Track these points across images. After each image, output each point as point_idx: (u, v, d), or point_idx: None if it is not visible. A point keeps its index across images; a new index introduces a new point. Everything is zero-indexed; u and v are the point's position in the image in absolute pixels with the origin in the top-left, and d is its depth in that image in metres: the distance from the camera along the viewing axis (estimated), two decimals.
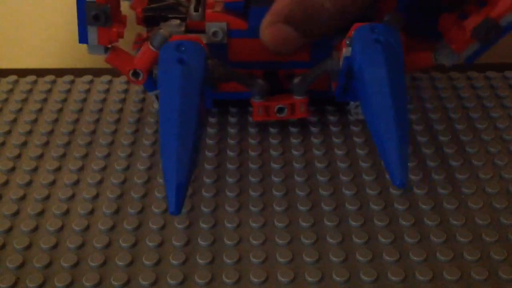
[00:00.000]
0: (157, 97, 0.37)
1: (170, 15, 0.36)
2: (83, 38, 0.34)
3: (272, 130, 0.38)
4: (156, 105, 0.37)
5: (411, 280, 0.28)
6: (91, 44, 0.34)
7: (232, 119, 0.39)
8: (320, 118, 0.39)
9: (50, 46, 0.37)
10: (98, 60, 0.36)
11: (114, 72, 0.43)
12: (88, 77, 0.43)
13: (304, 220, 0.31)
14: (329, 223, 0.31)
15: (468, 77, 0.43)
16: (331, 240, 0.30)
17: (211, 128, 0.38)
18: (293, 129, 0.38)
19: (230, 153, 0.36)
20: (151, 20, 0.36)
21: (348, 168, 0.35)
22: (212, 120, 0.39)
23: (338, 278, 0.28)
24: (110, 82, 0.43)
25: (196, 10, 0.36)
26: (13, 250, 0.29)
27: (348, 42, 0.31)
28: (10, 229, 0.31)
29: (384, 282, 0.28)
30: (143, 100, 0.41)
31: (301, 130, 0.38)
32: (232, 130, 0.38)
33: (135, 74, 0.35)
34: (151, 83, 0.36)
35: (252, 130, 0.38)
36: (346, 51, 0.32)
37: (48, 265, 0.29)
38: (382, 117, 0.28)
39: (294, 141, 0.37)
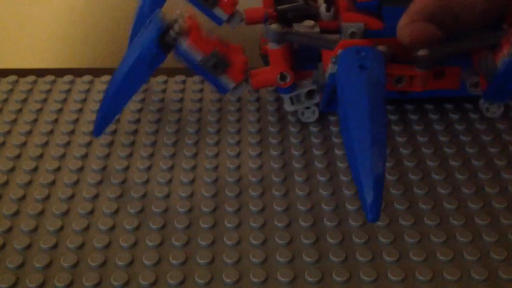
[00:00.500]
0: (291, 99, 0.37)
1: (302, 16, 0.36)
2: (222, 89, 0.35)
3: (272, 130, 0.38)
4: (288, 107, 0.37)
5: (411, 280, 0.28)
6: (233, 88, 0.35)
7: (233, 119, 0.39)
8: (320, 118, 0.39)
9: (50, 46, 0.37)
10: (98, 60, 0.36)
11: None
12: (88, 77, 0.43)
13: (304, 220, 0.31)
14: (329, 223, 0.31)
15: None
16: (331, 240, 0.30)
17: (210, 127, 0.38)
18: (293, 129, 0.38)
19: (230, 153, 0.36)
20: (284, 21, 0.36)
21: (348, 168, 0.35)
22: (211, 119, 0.39)
23: (338, 278, 0.28)
24: None
25: (328, 10, 0.36)
26: (13, 250, 0.29)
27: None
28: (10, 229, 0.31)
29: (384, 282, 0.28)
30: (143, 100, 0.41)
31: (301, 130, 0.38)
32: (232, 130, 0.38)
33: (283, 77, 0.36)
34: (289, 86, 0.36)
35: (252, 130, 0.38)
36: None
37: (48, 265, 0.29)
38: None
39: (294, 141, 0.37)
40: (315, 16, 0.37)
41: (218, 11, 0.36)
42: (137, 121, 0.39)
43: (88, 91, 0.42)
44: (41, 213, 0.32)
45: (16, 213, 0.32)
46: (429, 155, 0.36)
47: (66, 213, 0.32)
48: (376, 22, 0.35)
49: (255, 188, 0.33)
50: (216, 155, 0.36)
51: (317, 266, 0.29)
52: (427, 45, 0.33)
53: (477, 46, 0.34)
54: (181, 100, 0.41)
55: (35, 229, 0.31)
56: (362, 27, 0.35)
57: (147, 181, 0.34)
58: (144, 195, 0.33)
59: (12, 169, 0.35)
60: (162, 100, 0.41)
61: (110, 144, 0.37)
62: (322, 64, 0.34)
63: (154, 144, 0.37)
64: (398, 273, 0.28)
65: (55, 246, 0.30)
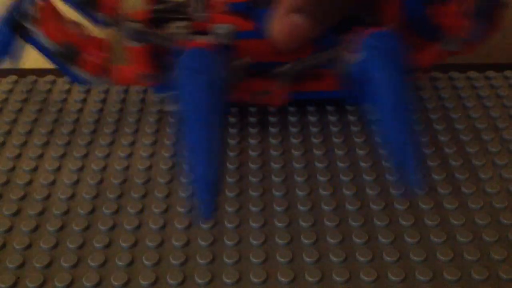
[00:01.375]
0: (165, 99, 0.37)
1: (176, 17, 0.36)
2: (76, 79, 0.35)
3: (272, 130, 0.38)
4: (165, 107, 0.37)
5: (411, 280, 0.28)
6: (90, 80, 0.35)
7: (232, 119, 0.39)
8: (320, 118, 0.39)
9: None
10: None
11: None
12: None
13: (304, 220, 0.31)
14: (329, 223, 0.31)
15: (468, 77, 0.43)
16: (331, 240, 0.30)
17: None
18: (293, 129, 0.38)
19: (230, 153, 0.36)
20: (157, 21, 0.36)
21: (348, 168, 0.35)
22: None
23: (338, 278, 0.28)
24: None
25: (199, 11, 0.36)
26: (13, 250, 0.29)
27: (354, 48, 0.31)
28: (10, 229, 0.31)
29: (384, 282, 0.28)
30: (143, 100, 0.41)
31: (301, 130, 0.38)
32: (232, 130, 0.38)
33: (144, 77, 0.35)
34: (162, 85, 0.36)
35: (252, 130, 0.38)
36: (352, 56, 0.31)
37: (48, 265, 0.29)
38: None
39: (294, 141, 0.37)
40: (189, 17, 0.36)
41: (100, 15, 0.36)
42: (137, 121, 0.39)
43: (88, 91, 0.42)
44: (41, 213, 0.32)
45: (16, 213, 0.32)
46: (429, 155, 0.36)
47: (66, 213, 0.32)
48: (246, 24, 0.35)
49: (255, 188, 0.33)
50: None
51: (317, 266, 0.29)
52: (300, 40, 0.33)
53: (337, 56, 0.34)
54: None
55: (35, 229, 0.31)
56: (230, 28, 0.35)
57: (147, 181, 0.34)
58: (144, 195, 0.33)
59: (12, 169, 0.35)
60: (162, 100, 0.41)
61: (110, 144, 0.37)
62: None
63: (154, 144, 0.37)
64: (398, 273, 0.28)
65: (55, 246, 0.30)
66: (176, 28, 0.35)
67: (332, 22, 0.34)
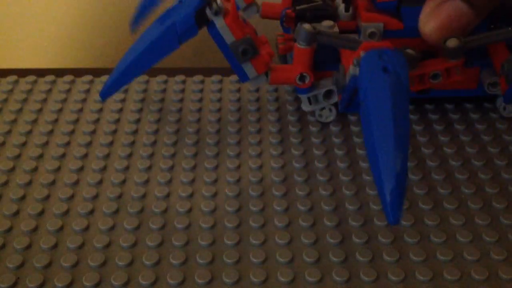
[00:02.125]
0: (309, 99, 0.37)
1: (320, 15, 0.36)
2: (243, 77, 0.35)
3: (272, 129, 0.38)
4: (305, 107, 0.37)
5: (411, 280, 0.28)
6: (253, 78, 0.35)
7: (232, 119, 0.39)
8: None
9: (50, 46, 0.37)
10: (98, 60, 0.36)
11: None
12: (88, 77, 0.43)
13: (304, 220, 0.31)
14: (329, 223, 0.31)
15: None
16: (331, 240, 0.30)
17: (210, 127, 0.38)
18: (293, 129, 0.38)
19: (230, 153, 0.36)
20: (303, 20, 0.36)
21: (348, 168, 0.35)
22: (211, 119, 0.39)
23: (338, 278, 0.28)
24: None
25: (346, 10, 0.36)
26: (13, 250, 0.29)
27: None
28: (10, 229, 0.31)
29: (384, 282, 0.28)
30: (143, 100, 0.41)
31: (301, 130, 0.38)
32: (232, 130, 0.38)
33: (302, 78, 0.35)
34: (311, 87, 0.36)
35: (252, 129, 0.38)
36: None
37: (48, 265, 0.29)
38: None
39: (294, 141, 0.37)
40: (333, 16, 0.37)
41: None
42: (137, 121, 0.39)
43: (88, 91, 0.42)
44: (41, 213, 0.32)
45: (16, 213, 0.32)
46: (429, 155, 0.36)
47: (66, 213, 0.32)
48: (395, 22, 0.35)
49: (255, 188, 0.33)
50: (216, 155, 0.36)
51: (317, 266, 0.29)
52: (459, 33, 0.32)
53: (505, 38, 0.33)
54: (181, 100, 0.41)
55: (35, 229, 0.31)
56: (381, 27, 0.35)
57: (147, 181, 0.34)
58: (144, 195, 0.33)
59: (12, 169, 0.35)
60: (162, 100, 0.41)
61: (110, 144, 0.37)
62: (343, 65, 0.34)
63: (154, 144, 0.37)
64: (398, 273, 0.28)
65: (55, 246, 0.30)
66: (323, 27, 0.35)
67: (490, 9, 0.32)
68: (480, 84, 0.37)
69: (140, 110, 0.40)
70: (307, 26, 0.34)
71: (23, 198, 0.33)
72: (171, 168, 0.35)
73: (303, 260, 0.29)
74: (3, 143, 0.37)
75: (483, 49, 0.35)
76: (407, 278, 0.28)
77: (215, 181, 0.34)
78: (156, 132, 0.38)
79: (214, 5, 0.33)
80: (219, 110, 0.40)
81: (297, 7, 0.37)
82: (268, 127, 0.38)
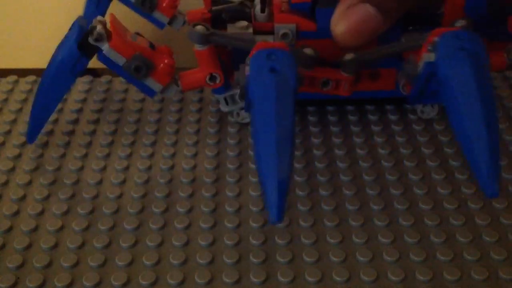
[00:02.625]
0: (225, 99, 0.37)
1: (236, 17, 0.36)
2: (150, 92, 0.35)
3: None
4: (223, 107, 0.37)
5: (411, 280, 0.28)
6: (162, 90, 0.35)
7: (232, 119, 0.39)
8: (320, 118, 0.39)
9: (50, 46, 0.36)
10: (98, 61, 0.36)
11: (114, 72, 0.43)
12: (88, 77, 0.43)
13: (304, 220, 0.31)
14: (329, 223, 0.31)
15: None
16: (331, 240, 0.30)
17: (210, 127, 0.38)
18: None
19: (230, 153, 0.36)
20: (218, 21, 0.36)
21: (348, 168, 0.35)
22: (211, 120, 0.39)
23: (338, 278, 0.28)
24: (110, 82, 0.43)
25: (262, 11, 0.36)
26: (13, 250, 0.29)
27: (430, 47, 0.31)
28: (10, 229, 0.31)
29: (384, 282, 0.28)
30: (143, 100, 0.41)
31: (301, 130, 0.38)
32: (232, 130, 0.38)
33: (212, 78, 0.35)
34: (222, 86, 0.36)
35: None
36: (428, 56, 0.31)
37: (48, 265, 0.29)
38: (473, 128, 0.27)
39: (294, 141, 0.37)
40: (249, 17, 0.36)
41: (158, 15, 0.36)
42: (137, 121, 0.39)
43: (88, 91, 0.42)
44: (41, 213, 0.32)
45: (16, 213, 0.32)
46: (429, 155, 0.36)
47: (66, 213, 0.32)
48: (309, 23, 0.35)
49: (255, 188, 0.33)
50: (216, 155, 0.36)
51: (317, 266, 0.29)
52: (368, 37, 0.32)
53: (405, 49, 0.33)
54: (181, 100, 0.41)
55: (35, 229, 0.31)
56: (294, 28, 0.35)
57: (147, 181, 0.34)
58: (144, 195, 0.33)
59: (12, 169, 0.35)
60: (162, 100, 0.41)
61: (110, 144, 0.37)
62: (243, 65, 0.32)
63: (154, 144, 0.37)
64: (398, 273, 0.28)
65: (55, 246, 0.30)
66: (238, 28, 0.35)
67: (399, 15, 0.33)
68: (397, 86, 0.37)
69: (140, 110, 0.40)
70: (198, 27, 0.34)
71: (23, 198, 0.33)
72: (171, 168, 0.35)
73: (303, 260, 0.29)
74: (3, 143, 0.37)
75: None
76: (407, 278, 0.28)
77: (215, 181, 0.34)
78: (156, 132, 0.38)
79: (95, 33, 0.33)
80: (219, 110, 0.40)
81: (213, 8, 0.37)
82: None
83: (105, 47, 0.33)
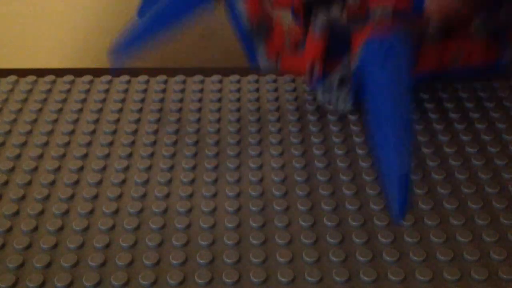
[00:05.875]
0: (322, 89, 0.37)
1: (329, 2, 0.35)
2: (254, 62, 0.35)
3: (272, 129, 0.38)
4: (322, 97, 0.37)
5: (411, 280, 0.28)
6: (263, 63, 0.35)
7: (233, 118, 0.39)
8: (320, 118, 0.39)
9: (50, 46, 0.37)
10: (98, 60, 0.36)
11: (114, 72, 0.43)
12: (88, 77, 0.43)
13: (304, 220, 0.31)
14: (329, 223, 0.31)
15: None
16: (331, 240, 0.30)
17: (210, 127, 0.38)
18: (293, 129, 0.38)
19: (230, 153, 0.36)
20: (311, 7, 0.35)
21: (348, 168, 0.35)
22: (211, 119, 0.39)
23: (338, 278, 0.28)
24: (110, 82, 0.43)
25: None
26: (13, 250, 0.29)
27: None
28: (10, 229, 0.31)
29: (384, 282, 0.28)
30: (143, 100, 0.41)
31: (301, 130, 0.38)
32: (232, 129, 0.38)
33: (313, 67, 0.35)
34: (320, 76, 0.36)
35: (252, 129, 0.38)
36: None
37: (48, 265, 0.29)
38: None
39: (294, 140, 0.37)
40: (342, 0, 0.36)
41: None
42: (137, 121, 0.39)
43: (88, 91, 0.42)
44: (41, 213, 0.32)
45: (16, 213, 0.32)
46: (429, 154, 0.36)
47: (66, 213, 0.32)
48: (404, 2, 0.34)
49: (255, 188, 0.33)
50: (216, 154, 0.36)
51: (317, 266, 0.29)
52: (466, 15, 0.32)
53: None
54: (181, 100, 0.41)
55: (35, 229, 0.31)
56: (390, 8, 0.34)
57: (147, 181, 0.34)
58: (144, 195, 0.33)
59: (12, 169, 0.35)
60: (162, 100, 0.41)
61: (110, 144, 0.37)
62: (350, 53, 0.33)
63: (154, 144, 0.37)
64: (398, 273, 0.28)
65: (55, 246, 0.30)
66: (331, 13, 0.35)
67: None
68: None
69: (140, 110, 0.40)
70: (322, 16, 0.33)
71: (23, 198, 0.33)
72: (171, 168, 0.35)
73: (303, 260, 0.29)
74: (3, 143, 0.37)
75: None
76: (407, 278, 0.28)
77: (215, 181, 0.34)
78: (156, 132, 0.38)
79: None
80: (219, 110, 0.40)
81: None
82: (268, 127, 0.38)
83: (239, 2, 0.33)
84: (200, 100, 0.41)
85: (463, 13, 0.32)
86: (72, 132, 0.38)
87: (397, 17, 0.34)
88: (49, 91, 0.42)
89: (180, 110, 0.40)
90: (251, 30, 0.33)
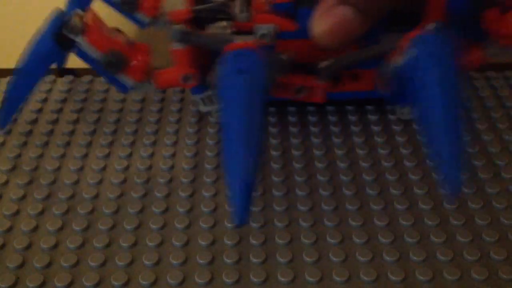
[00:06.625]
0: (203, 100, 0.37)
1: (217, 17, 0.36)
2: (122, 88, 0.35)
3: (272, 129, 0.38)
4: (202, 108, 0.38)
5: (411, 280, 0.28)
6: (134, 87, 0.35)
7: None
8: (320, 118, 0.39)
9: None
10: None
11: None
12: (88, 77, 0.43)
13: (304, 220, 0.31)
14: (329, 223, 0.31)
15: (471, 77, 0.43)
16: (331, 240, 0.30)
17: (211, 128, 0.38)
18: (293, 129, 0.38)
19: None
20: (199, 21, 0.36)
21: (348, 168, 0.35)
22: (211, 119, 0.39)
23: (338, 278, 0.28)
24: None
25: (242, 11, 0.36)
26: (13, 250, 0.29)
27: (400, 51, 0.30)
28: (10, 229, 0.31)
29: (384, 282, 0.28)
30: (143, 100, 0.41)
31: (301, 130, 0.38)
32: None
33: (185, 78, 0.36)
34: (198, 86, 0.36)
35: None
36: (396, 60, 0.31)
37: (48, 265, 0.29)
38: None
39: (294, 141, 0.37)
40: (230, 17, 0.36)
41: (140, 15, 0.36)
42: (137, 121, 0.39)
43: (88, 91, 0.42)
44: (41, 213, 0.32)
45: (16, 213, 0.32)
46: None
47: (66, 213, 0.32)
48: (289, 24, 0.35)
49: (255, 188, 0.33)
50: (217, 155, 0.36)
51: (317, 266, 0.29)
52: (348, 35, 0.32)
53: (382, 52, 0.33)
54: (181, 100, 0.41)
55: (35, 229, 0.31)
56: (272, 29, 0.35)
57: (147, 181, 0.34)
58: (144, 195, 0.33)
59: (12, 169, 0.35)
60: (162, 100, 0.41)
61: (110, 144, 0.37)
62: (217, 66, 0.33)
63: (154, 144, 0.37)
64: (398, 273, 0.28)
65: (55, 246, 0.30)
66: (218, 28, 0.35)
67: (379, 16, 0.33)
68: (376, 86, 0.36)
69: (140, 110, 0.40)
70: (177, 26, 0.34)
71: (23, 198, 0.33)
72: (171, 168, 0.35)
73: (303, 260, 0.29)
74: (3, 143, 0.37)
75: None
76: (407, 278, 0.28)
77: (215, 181, 0.34)
78: (156, 132, 0.38)
79: (69, 24, 0.33)
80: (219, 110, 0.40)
81: (194, 8, 0.37)
82: (267, 127, 0.38)
83: (79, 39, 0.33)
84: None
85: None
86: (72, 132, 0.38)
87: (283, 37, 0.35)
88: (49, 91, 0.42)
89: (180, 110, 0.40)
90: (107, 64, 0.34)
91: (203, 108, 0.38)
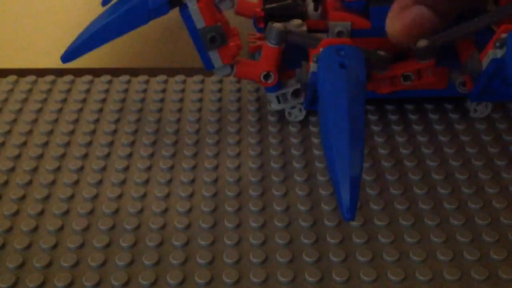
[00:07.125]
0: (278, 98, 0.37)
1: (289, 15, 0.36)
2: (208, 64, 0.35)
3: (272, 129, 0.38)
4: (275, 106, 0.38)
5: (411, 280, 0.28)
6: (218, 67, 0.35)
7: (232, 119, 0.39)
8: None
9: (50, 46, 0.37)
10: (98, 60, 0.36)
11: (114, 72, 0.43)
12: (88, 77, 0.43)
13: (304, 220, 0.31)
14: (329, 223, 0.31)
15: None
16: (331, 240, 0.30)
17: (210, 127, 0.38)
18: (293, 129, 0.38)
19: (230, 153, 0.36)
20: (272, 19, 0.36)
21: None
22: (211, 119, 0.39)
23: (338, 278, 0.28)
24: (110, 82, 0.43)
25: (315, 9, 0.36)
26: (13, 250, 0.29)
27: (498, 44, 0.30)
28: (10, 229, 0.31)
29: (384, 282, 0.28)
30: (143, 100, 0.41)
31: (301, 130, 0.38)
32: (232, 130, 0.38)
33: (266, 76, 0.36)
34: (274, 85, 0.36)
35: (252, 129, 0.38)
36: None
37: (48, 265, 0.29)
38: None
39: (294, 141, 0.37)
40: (302, 15, 0.37)
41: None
42: (137, 121, 0.39)
43: (88, 91, 0.42)
44: (41, 213, 0.32)
45: (16, 213, 0.32)
46: (429, 155, 0.36)
47: (66, 213, 0.32)
48: (363, 22, 0.35)
49: (255, 188, 0.33)
50: (216, 154, 0.36)
51: (317, 266, 0.29)
52: (423, 36, 0.32)
53: (482, 25, 0.32)
54: (181, 100, 0.41)
55: (35, 229, 0.31)
56: (349, 26, 0.35)
57: (147, 181, 0.34)
58: (144, 195, 0.33)
59: (12, 169, 0.35)
60: (162, 100, 0.41)
61: (110, 144, 0.37)
62: (306, 63, 0.33)
63: (154, 144, 0.37)
64: (398, 273, 0.28)
65: (55, 246, 0.30)
66: (293, 26, 0.35)
67: (453, 16, 0.33)
68: (450, 84, 0.36)
69: (140, 110, 0.40)
70: (277, 25, 0.34)
71: (23, 198, 0.33)
72: (171, 168, 0.35)
73: (303, 260, 0.29)
74: (3, 143, 0.37)
75: (452, 48, 0.35)
76: (407, 278, 0.28)
77: (215, 180, 0.34)
78: (156, 132, 0.38)
79: None
80: (219, 110, 0.40)
81: (266, 6, 0.37)
82: (268, 127, 0.38)
83: (192, 4, 0.33)
84: (200, 100, 0.41)
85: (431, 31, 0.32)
86: (72, 132, 0.38)
87: (356, 35, 0.35)
88: (49, 91, 0.42)
89: (180, 110, 0.40)
90: (205, 39, 0.34)
91: (277, 106, 0.38)
